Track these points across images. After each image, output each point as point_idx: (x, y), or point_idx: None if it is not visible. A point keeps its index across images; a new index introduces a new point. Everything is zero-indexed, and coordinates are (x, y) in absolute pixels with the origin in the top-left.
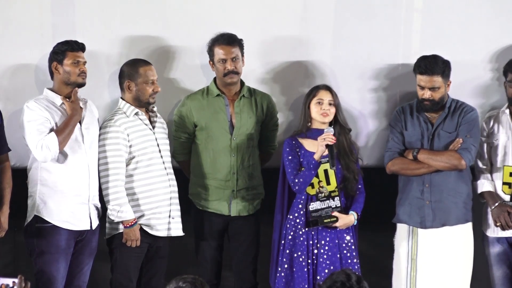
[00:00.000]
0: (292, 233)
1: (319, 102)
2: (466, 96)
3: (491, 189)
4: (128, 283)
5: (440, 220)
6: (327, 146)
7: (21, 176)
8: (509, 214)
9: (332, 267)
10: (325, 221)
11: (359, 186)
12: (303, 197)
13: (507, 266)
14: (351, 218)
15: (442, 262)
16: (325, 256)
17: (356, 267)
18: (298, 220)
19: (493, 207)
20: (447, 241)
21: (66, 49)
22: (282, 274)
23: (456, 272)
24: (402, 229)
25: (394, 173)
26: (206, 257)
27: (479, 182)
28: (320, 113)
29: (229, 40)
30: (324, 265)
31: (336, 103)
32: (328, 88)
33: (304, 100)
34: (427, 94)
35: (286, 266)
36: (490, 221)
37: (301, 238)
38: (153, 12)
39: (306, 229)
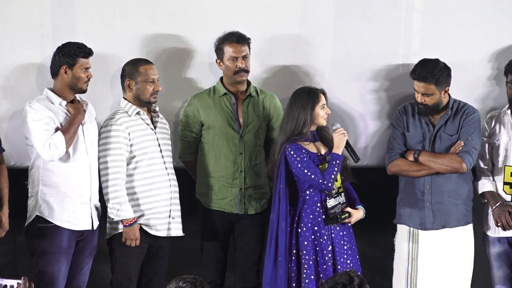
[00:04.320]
0: (311, 235)
1: (323, 107)
2: (466, 96)
3: (492, 189)
4: (128, 283)
5: (440, 222)
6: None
7: (21, 176)
8: (510, 214)
9: (351, 263)
10: (343, 217)
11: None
12: (316, 197)
13: (508, 266)
14: (361, 212)
15: (443, 263)
16: (338, 252)
17: (359, 263)
18: (314, 222)
19: (494, 207)
20: (448, 242)
21: (78, 55)
22: (313, 277)
23: (456, 273)
24: (402, 230)
25: (394, 174)
26: (211, 257)
27: (480, 182)
28: (325, 117)
29: (239, 39)
30: (342, 260)
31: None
32: (324, 92)
33: (305, 103)
34: (420, 98)
35: (312, 268)
36: (491, 221)
37: (321, 239)
38: (153, 12)
39: (325, 227)
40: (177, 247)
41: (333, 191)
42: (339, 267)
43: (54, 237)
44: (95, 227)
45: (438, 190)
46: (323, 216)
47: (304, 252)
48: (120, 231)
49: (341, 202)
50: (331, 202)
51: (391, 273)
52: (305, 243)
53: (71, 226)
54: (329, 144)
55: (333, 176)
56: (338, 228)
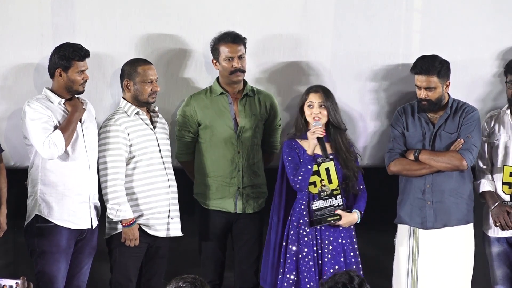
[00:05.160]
0: (296, 234)
1: (309, 105)
2: (466, 96)
3: (491, 189)
4: (128, 283)
5: (441, 220)
6: (318, 139)
7: (21, 176)
8: (508, 214)
9: (336, 267)
10: (329, 219)
11: (361, 187)
12: (304, 197)
13: (507, 266)
14: (355, 216)
15: (443, 263)
16: (329, 256)
17: (360, 266)
18: (301, 221)
19: (492, 207)
20: (448, 241)
21: (73, 58)
22: (288, 275)
23: (457, 273)
24: (403, 230)
25: (395, 174)
26: (209, 257)
27: (479, 182)
28: (312, 116)
29: (235, 39)
30: (329, 264)
31: (327, 105)
32: (318, 90)
33: (299, 102)
34: (423, 94)
35: (291, 267)
36: (491, 221)
37: (306, 239)
38: (153, 12)
39: (310, 228)
40: (177, 247)
41: (323, 193)
42: (325, 268)
43: (53, 237)
44: (94, 226)
45: (438, 189)
46: (306, 218)
47: (287, 249)
48: (119, 231)
49: (335, 205)
50: (317, 204)
51: (391, 273)
52: (288, 241)
53: (71, 225)
54: (335, 145)
55: (300, 177)
56: (332, 229)
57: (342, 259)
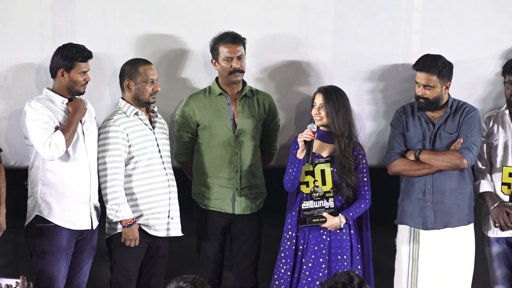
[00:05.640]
0: (288, 231)
1: (313, 105)
2: (467, 96)
3: (490, 189)
4: (128, 283)
5: (442, 221)
6: (305, 142)
7: (21, 176)
8: (508, 215)
9: (318, 268)
10: (314, 220)
11: (363, 193)
12: (298, 197)
13: (506, 266)
14: (336, 220)
15: (444, 263)
16: (313, 256)
17: (347, 269)
18: (294, 219)
19: (492, 208)
20: (449, 242)
21: (76, 59)
22: (276, 270)
23: (457, 273)
24: (403, 230)
25: (396, 175)
26: (208, 257)
27: (478, 182)
28: (315, 117)
29: (234, 39)
30: (305, 266)
31: (326, 107)
32: (321, 91)
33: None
34: (421, 91)
35: (278, 262)
36: (490, 221)
37: (293, 235)
38: (152, 12)
39: (296, 227)
40: (176, 247)
41: (315, 194)
42: (304, 267)
43: (54, 237)
44: (94, 227)
45: (439, 190)
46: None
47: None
48: (119, 231)
49: (325, 207)
50: (307, 204)
51: (392, 273)
52: (283, 239)
53: (71, 225)
54: (336, 153)
55: (287, 178)
56: (316, 233)
57: (323, 265)
